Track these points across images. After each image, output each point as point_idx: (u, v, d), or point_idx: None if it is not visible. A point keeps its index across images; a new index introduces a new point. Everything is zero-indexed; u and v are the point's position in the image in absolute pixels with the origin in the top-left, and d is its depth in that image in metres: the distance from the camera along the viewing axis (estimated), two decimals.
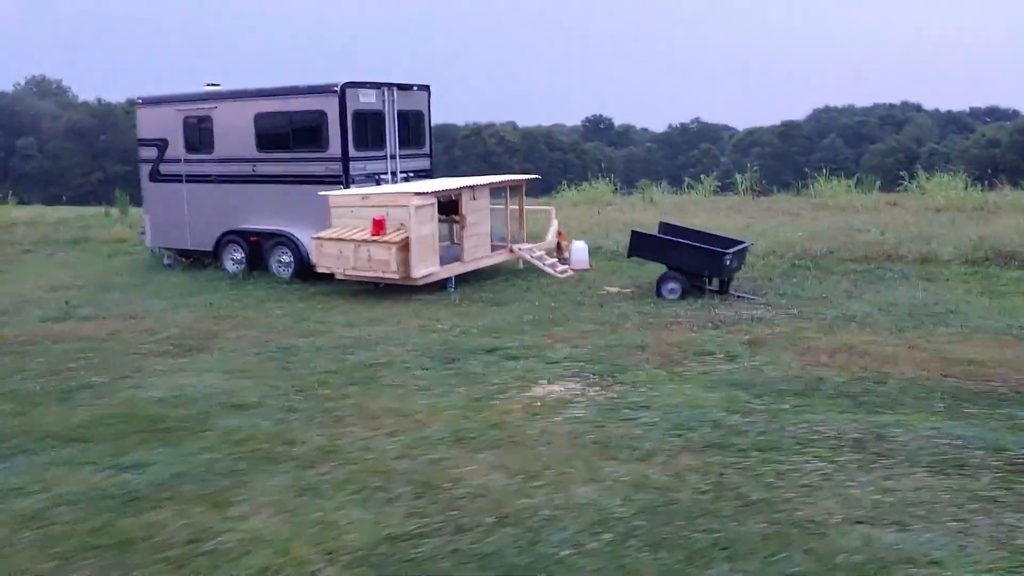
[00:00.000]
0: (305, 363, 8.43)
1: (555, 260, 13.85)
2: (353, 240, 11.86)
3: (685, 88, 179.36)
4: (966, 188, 23.23)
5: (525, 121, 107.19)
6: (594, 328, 9.64)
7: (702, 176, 30.47)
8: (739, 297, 11.25)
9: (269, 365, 8.42)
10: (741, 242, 11.83)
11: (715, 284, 11.59)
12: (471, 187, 12.69)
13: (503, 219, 14.06)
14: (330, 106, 13.08)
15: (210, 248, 14.59)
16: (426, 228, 11.76)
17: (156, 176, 15.30)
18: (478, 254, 12.99)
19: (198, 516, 5.02)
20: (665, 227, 12.28)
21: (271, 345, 9.24)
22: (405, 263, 11.58)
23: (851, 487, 5.21)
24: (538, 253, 13.90)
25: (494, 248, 13.80)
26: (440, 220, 13.54)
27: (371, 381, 7.77)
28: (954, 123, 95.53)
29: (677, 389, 7.25)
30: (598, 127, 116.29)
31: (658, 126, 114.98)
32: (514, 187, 14.23)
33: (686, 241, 11.40)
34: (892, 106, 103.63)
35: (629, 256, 11.83)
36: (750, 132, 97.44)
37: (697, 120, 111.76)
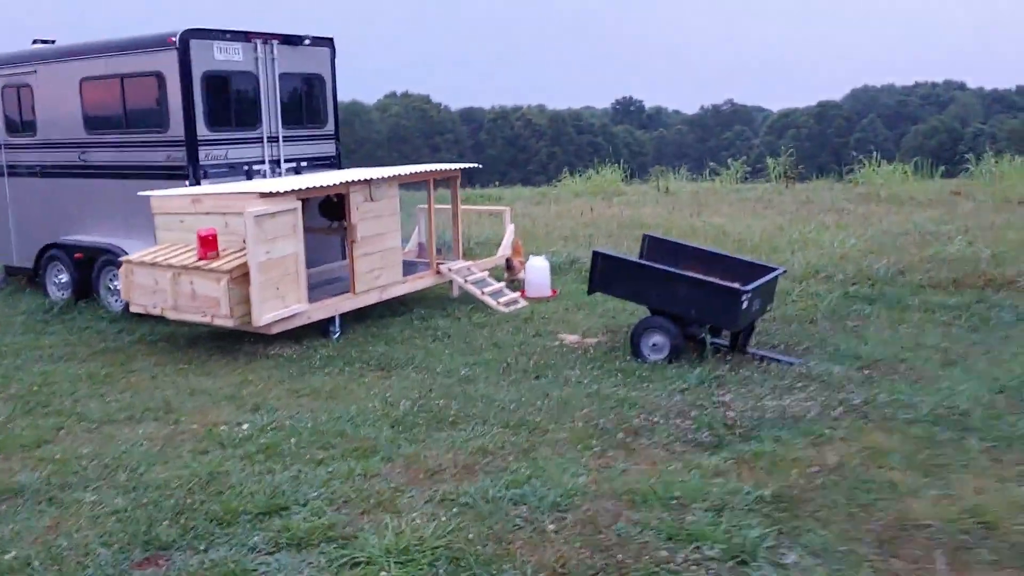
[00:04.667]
0: None
1: (501, 285, 9.69)
2: (170, 266, 7.78)
3: (718, 69, 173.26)
4: None
5: (554, 104, 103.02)
6: (501, 440, 5.47)
7: (730, 161, 26.11)
8: (762, 359, 7.03)
9: None
10: (768, 268, 7.58)
11: (725, 336, 7.38)
12: (364, 181, 8.54)
13: (430, 225, 9.89)
14: (168, 66, 8.98)
15: (31, 266, 10.63)
16: (280, 246, 7.65)
17: None
18: (379, 280, 8.85)
19: None
20: (651, 244, 8.05)
21: None
22: (244, 301, 7.50)
23: None
24: (477, 274, 9.73)
25: (412, 268, 9.68)
26: (333, 229, 9.45)
27: None
28: (999, 102, 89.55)
29: None
30: (628, 109, 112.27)
31: (690, 108, 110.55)
32: (441, 180, 10.03)
33: (680, 272, 7.17)
34: (935, 85, 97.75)
35: (591, 291, 7.61)
36: (785, 113, 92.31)
37: (730, 101, 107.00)
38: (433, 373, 7.05)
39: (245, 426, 5.84)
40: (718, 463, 4.94)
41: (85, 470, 5.14)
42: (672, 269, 7.09)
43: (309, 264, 9.93)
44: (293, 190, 7.80)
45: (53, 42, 10.72)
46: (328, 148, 10.50)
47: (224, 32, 9.19)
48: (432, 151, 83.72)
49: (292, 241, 7.78)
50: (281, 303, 7.72)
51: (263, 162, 9.68)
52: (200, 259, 7.65)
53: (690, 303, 6.97)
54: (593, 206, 17.82)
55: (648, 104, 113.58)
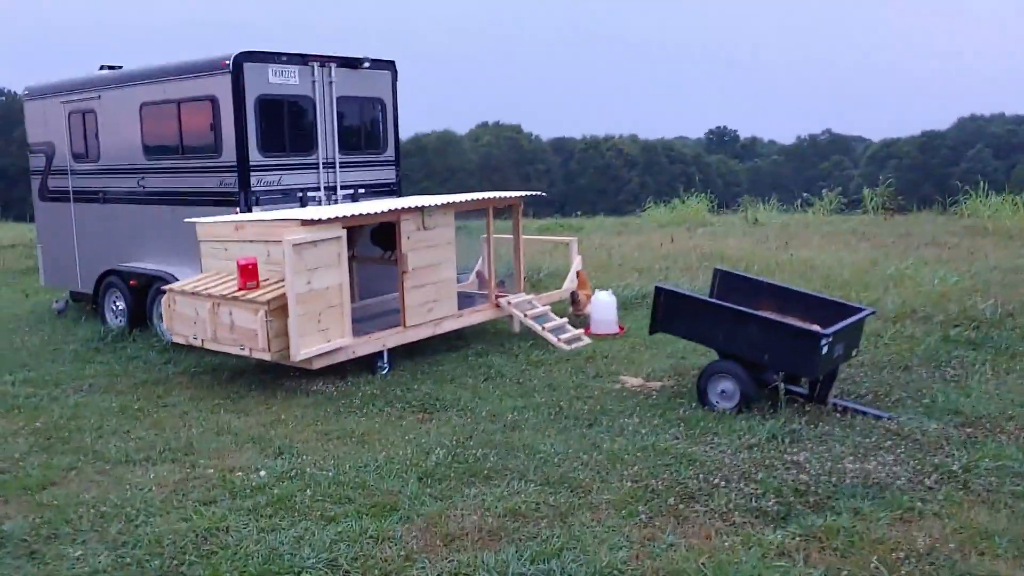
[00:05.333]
0: None
1: (563, 321, 9.06)
2: (210, 296, 7.43)
3: (815, 98, 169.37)
4: None
5: (647, 134, 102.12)
6: (536, 499, 4.84)
7: (824, 191, 24.93)
8: (845, 411, 6.22)
9: None
10: (854, 308, 6.76)
11: (804, 383, 6.59)
12: (416, 209, 8.07)
13: (488, 255, 9.35)
14: (222, 89, 8.72)
15: (92, 291, 10.51)
16: (322, 277, 7.21)
17: (45, 193, 11.32)
18: (432, 313, 8.35)
19: None
20: (723, 279, 7.32)
21: None
22: (283, 334, 7.07)
23: None
24: (539, 309, 9.14)
25: (469, 301, 9.15)
26: (386, 259, 9.02)
27: None
28: None
29: None
30: (722, 139, 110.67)
31: (786, 138, 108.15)
32: (502, 208, 9.49)
33: (751, 311, 6.43)
34: None
35: (653, 331, 6.91)
36: (887, 143, 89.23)
37: (828, 131, 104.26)
38: (477, 417, 6.47)
39: (263, 472, 5.36)
40: (783, 539, 4.20)
41: (80, 519, 4.72)
42: (741, 308, 6.35)
43: (366, 294, 9.62)
44: (338, 218, 7.37)
45: (120, 68, 10.65)
46: (388, 175, 10.09)
47: (279, 55, 8.89)
48: (523, 180, 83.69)
49: (336, 271, 7.34)
50: (323, 337, 7.28)
51: (318, 188, 9.33)
52: (239, 289, 7.28)
53: (762, 347, 6.22)
54: (675, 237, 17.04)
55: (743, 134, 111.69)
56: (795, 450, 5.45)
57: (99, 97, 10.19)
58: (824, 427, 5.89)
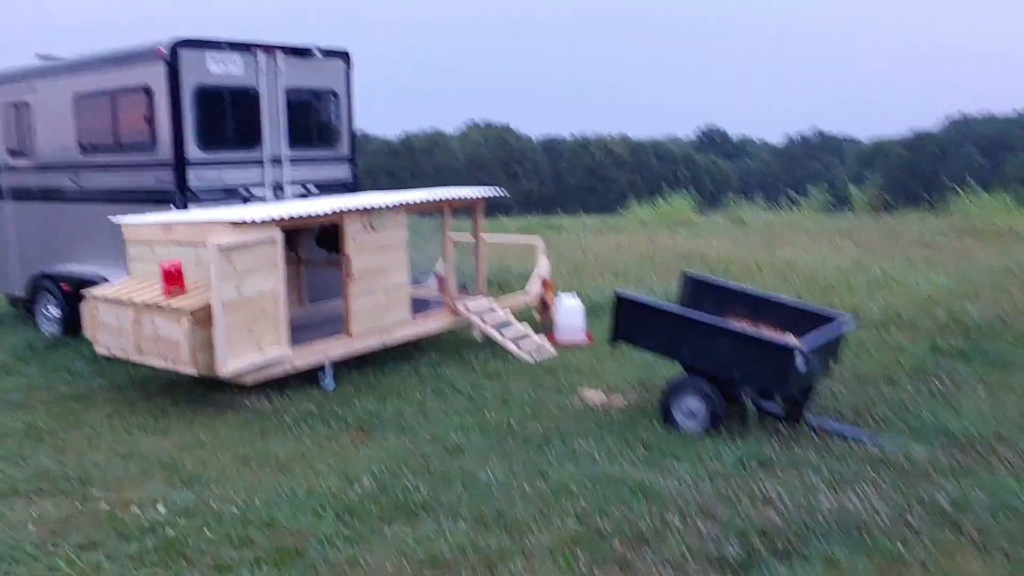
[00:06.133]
0: None
1: (524, 330, 8.44)
2: (132, 303, 6.78)
3: (805, 98, 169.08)
4: None
5: (637, 133, 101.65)
6: (464, 543, 4.21)
7: (810, 188, 24.43)
8: (822, 432, 5.62)
9: None
10: (832, 317, 6.16)
11: (777, 402, 5.98)
12: (361, 209, 7.44)
13: (449, 257, 8.73)
14: (156, 79, 8.08)
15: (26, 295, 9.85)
16: (255, 283, 6.57)
17: None
18: (382, 321, 7.72)
19: None
20: (692, 285, 6.70)
21: None
22: (209, 345, 6.43)
23: None
24: (500, 315, 8.52)
25: (424, 307, 8.53)
26: (331, 262, 8.38)
27: None
28: None
29: None
30: (713, 139, 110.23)
31: (777, 138, 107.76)
32: (461, 208, 8.85)
33: (717, 322, 5.82)
34: None
35: (612, 340, 6.29)
36: (876, 144, 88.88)
37: (818, 131, 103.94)
38: (417, 438, 5.84)
39: (161, 507, 4.73)
40: None
41: None
42: (708, 318, 5.74)
43: (314, 298, 8.99)
44: (273, 219, 6.73)
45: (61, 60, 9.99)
46: (341, 171, 9.46)
47: (220, 43, 8.25)
48: (511, 179, 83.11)
49: (270, 277, 6.70)
50: (255, 348, 6.63)
51: (262, 185, 8.69)
52: (165, 295, 6.64)
53: (731, 361, 5.62)
54: (655, 237, 16.46)
55: (733, 133, 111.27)
56: (765, 480, 4.84)
57: (34, 89, 9.53)
58: (798, 451, 5.29)
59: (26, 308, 9.89)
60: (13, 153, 9.91)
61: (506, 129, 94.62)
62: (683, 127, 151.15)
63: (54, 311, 9.35)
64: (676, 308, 5.96)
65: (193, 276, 6.70)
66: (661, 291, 9.79)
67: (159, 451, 5.73)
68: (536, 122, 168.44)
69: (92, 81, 8.77)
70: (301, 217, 6.97)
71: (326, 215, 7.24)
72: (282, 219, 6.80)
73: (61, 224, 9.36)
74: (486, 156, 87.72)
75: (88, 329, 7.25)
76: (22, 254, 9.98)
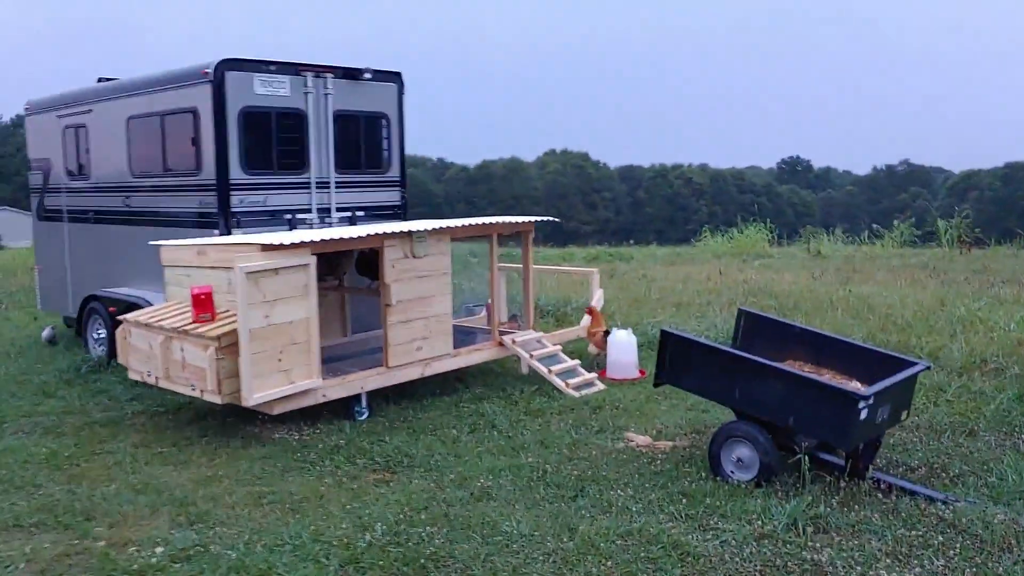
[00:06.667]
0: None
1: (575, 363, 8.01)
2: (162, 329, 6.59)
3: (893, 129, 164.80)
4: None
5: (717, 163, 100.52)
6: None
7: (896, 222, 23.37)
8: (889, 488, 5.04)
9: None
10: (905, 363, 5.57)
11: (838, 454, 5.41)
12: (401, 234, 7.13)
13: (492, 287, 8.37)
14: (203, 100, 7.96)
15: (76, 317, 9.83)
16: (285, 310, 6.30)
17: (41, 212, 10.74)
18: (421, 353, 7.38)
19: None
20: (748, 322, 6.19)
21: None
22: (235, 374, 6.18)
23: None
24: (548, 348, 8.10)
25: (468, 339, 8.17)
26: (372, 290, 8.09)
27: None
28: None
29: None
30: (795, 169, 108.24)
31: (862, 169, 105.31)
32: (509, 235, 8.48)
33: (772, 364, 5.30)
34: None
35: (657, 383, 5.81)
36: (967, 175, 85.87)
37: (906, 162, 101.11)
38: (443, 480, 5.46)
39: (159, 550, 4.43)
40: None
41: None
42: (761, 360, 5.23)
43: (359, 328, 8.71)
44: (306, 242, 6.47)
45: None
46: (391, 196, 9.21)
47: (268, 63, 8.10)
48: (588, 208, 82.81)
49: (301, 304, 6.42)
50: (284, 378, 6.36)
51: (310, 210, 8.48)
52: (194, 320, 6.42)
53: (786, 407, 5.09)
54: (725, 269, 15.83)
55: (817, 164, 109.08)
56: (818, 545, 4.30)
57: (90, 111, 9.56)
58: (859, 511, 4.73)
59: (77, 331, 9.86)
60: (71, 175, 9.95)
61: (584, 157, 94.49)
62: (765, 159, 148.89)
63: (102, 334, 9.29)
64: (726, 348, 5.45)
65: (225, 302, 6.47)
66: (723, 327, 9.24)
67: (174, 485, 5.47)
68: (615, 151, 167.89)
69: (144, 103, 8.71)
70: (335, 240, 6.69)
71: (364, 239, 6.96)
72: (315, 243, 6.53)
73: (112, 247, 9.32)
74: (564, 184, 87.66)
75: (121, 354, 7.09)
76: (76, 276, 9.98)
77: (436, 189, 76.23)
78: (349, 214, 8.79)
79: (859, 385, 5.39)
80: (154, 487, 5.43)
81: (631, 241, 28.88)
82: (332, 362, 7.47)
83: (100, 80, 10.03)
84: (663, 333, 5.60)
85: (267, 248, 6.26)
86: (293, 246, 6.38)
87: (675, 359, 5.56)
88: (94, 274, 9.56)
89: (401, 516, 4.81)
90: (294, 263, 6.37)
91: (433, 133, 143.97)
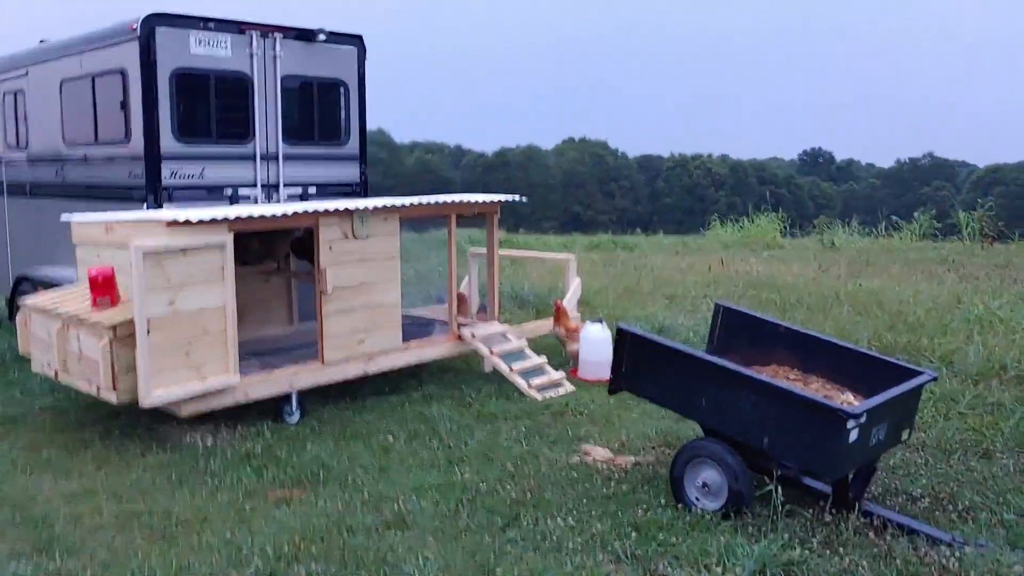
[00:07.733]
0: None
1: (542, 360, 7.15)
2: (58, 315, 5.78)
3: (917, 121, 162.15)
4: None
5: (739, 154, 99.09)
6: None
7: (916, 214, 22.31)
8: (884, 527, 4.16)
9: None
10: (907, 372, 4.67)
11: (824, 480, 4.52)
12: (340, 211, 6.28)
13: (450, 275, 7.50)
14: (131, 60, 7.13)
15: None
16: (193, 296, 5.47)
17: None
18: (364, 346, 6.53)
19: None
20: (726, 320, 5.30)
21: None
22: (132, 369, 5.36)
23: None
24: (512, 344, 7.24)
25: (422, 331, 7.32)
26: (311, 275, 7.23)
27: None
28: None
29: None
30: (817, 160, 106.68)
31: (886, 161, 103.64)
32: (469, 216, 7.60)
33: (746, 371, 4.41)
34: None
35: (612, 390, 4.94)
36: (992, 169, 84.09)
37: (930, 155, 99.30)
38: (355, 500, 4.62)
39: None
40: None
41: None
42: (729, 365, 4.34)
43: (308, 316, 7.88)
44: (220, 219, 5.63)
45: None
46: (348, 172, 8.35)
47: (206, 20, 7.25)
48: (607, 196, 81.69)
49: (215, 289, 5.59)
50: (193, 374, 5.53)
51: (254, 185, 7.65)
52: (93, 306, 5.61)
53: (759, 425, 4.22)
54: (731, 260, 14.91)
55: (839, 156, 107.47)
56: None
57: (26, 75, 8.76)
58: (844, 556, 3.85)
59: (10, 314, 9.09)
60: (9, 146, 9.17)
61: (603, 146, 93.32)
62: (787, 150, 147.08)
63: None
64: (689, 350, 4.56)
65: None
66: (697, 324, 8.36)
67: (42, 500, 4.67)
68: (634, 140, 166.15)
69: (76, 65, 7.90)
70: (257, 219, 5.85)
71: (294, 216, 6.11)
72: (231, 220, 5.69)
73: (44, 223, 8.52)
74: (582, 173, 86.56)
75: (22, 343, 6.31)
76: (15, 255, 9.21)
77: (453, 176, 75.39)
78: (300, 190, 7.95)
79: (851, 398, 4.51)
80: (20, 503, 4.64)
81: (637, 229, 27.94)
82: (273, 355, 6.66)
83: (41, 42, 9.23)
84: (619, 331, 4.72)
85: (173, 225, 5.43)
86: (205, 223, 5.54)
87: (634, 362, 4.69)
88: (27, 253, 8.79)
89: (287, 548, 3.98)
90: (206, 242, 5.53)
91: (450, 119, 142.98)
